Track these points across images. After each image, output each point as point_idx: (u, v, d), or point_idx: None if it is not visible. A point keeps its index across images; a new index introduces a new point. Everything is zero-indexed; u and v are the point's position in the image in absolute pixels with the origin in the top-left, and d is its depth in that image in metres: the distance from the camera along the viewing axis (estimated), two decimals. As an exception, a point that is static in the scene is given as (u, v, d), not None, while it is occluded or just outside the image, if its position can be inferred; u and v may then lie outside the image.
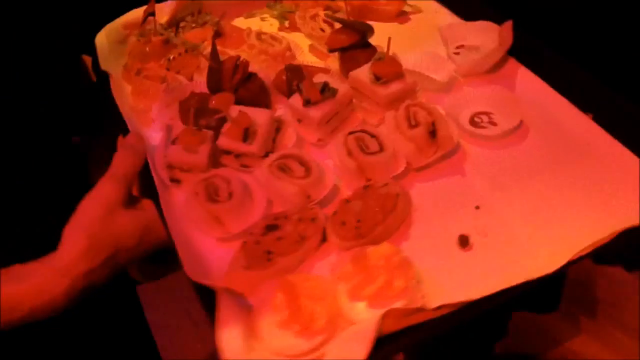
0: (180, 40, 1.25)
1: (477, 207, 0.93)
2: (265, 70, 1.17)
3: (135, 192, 1.00)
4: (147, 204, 0.96)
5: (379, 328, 0.75)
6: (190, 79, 1.19)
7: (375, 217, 0.87)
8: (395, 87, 1.05)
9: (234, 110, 1.01)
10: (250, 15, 1.39)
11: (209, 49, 1.20)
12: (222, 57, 1.18)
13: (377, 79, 1.05)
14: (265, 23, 1.36)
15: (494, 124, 1.07)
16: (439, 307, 0.77)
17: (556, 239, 0.86)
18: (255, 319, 0.79)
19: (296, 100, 1.04)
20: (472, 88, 1.13)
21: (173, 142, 0.99)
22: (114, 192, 0.92)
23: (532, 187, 0.95)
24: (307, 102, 1.02)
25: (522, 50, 1.17)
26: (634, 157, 0.95)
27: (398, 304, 0.77)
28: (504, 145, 1.03)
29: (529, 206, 0.92)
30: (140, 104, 1.14)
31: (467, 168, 1.00)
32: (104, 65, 1.22)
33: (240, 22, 1.37)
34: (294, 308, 0.77)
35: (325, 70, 1.11)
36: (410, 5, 1.35)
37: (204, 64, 1.18)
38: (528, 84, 1.13)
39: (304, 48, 1.27)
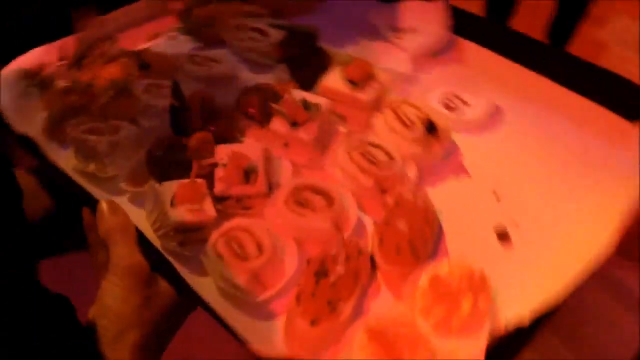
0: (102, 82, 1.09)
1: (496, 196, 0.93)
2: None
3: None
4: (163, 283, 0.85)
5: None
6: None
7: (425, 233, 0.84)
8: (374, 88, 1.00)
9: (223, 151, 0.91)
10: (153, 37, 1.24)
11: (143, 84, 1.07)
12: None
13: (353, 83, 1.00)
14: (178, 42, 1.23)
15: (467, 104, 1.07)
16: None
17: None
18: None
19: (278, 123, 0.96)
20: (428, 74, 1.12)
21: (172, 204, 0.86)
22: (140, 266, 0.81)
23: (539, 167, 0.97)
24: (294, 124, 0.94)
25: (462, 26, 1.18)
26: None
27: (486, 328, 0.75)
28: (487, 127, 1.03)
29: (549, 186, 0.94)
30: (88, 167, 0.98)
31: (468, 159, 0.99)
32: (20, 127, 1.03)
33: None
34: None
35: (294, 85, 1.03)
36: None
37: (145, 105, 1.04)
38: (479, 58, 1.14)
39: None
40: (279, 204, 0.88)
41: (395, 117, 0.97)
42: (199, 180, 0.89)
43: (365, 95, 0.99)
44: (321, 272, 0.81)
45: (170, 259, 0.84)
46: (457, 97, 1.08)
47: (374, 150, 0.93)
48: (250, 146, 0.93)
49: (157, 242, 0.87)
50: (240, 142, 1.01)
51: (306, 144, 0.95)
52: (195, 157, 0.91)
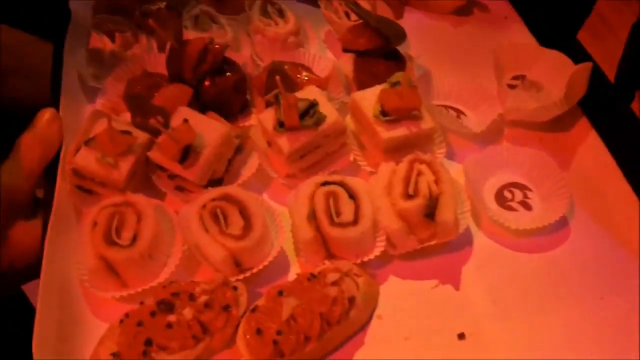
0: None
1: (461, 336, 0.67)
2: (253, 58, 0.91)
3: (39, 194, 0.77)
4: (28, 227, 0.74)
5: None
6: (162, 48, 0.92)
7: (308, 330, 0.62)
8: (403, 130, 0.76)
9: (179, 117, 0.75)
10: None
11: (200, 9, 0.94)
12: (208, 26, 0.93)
13: (384, 113, 0.77)
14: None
15: (528, 207, 0.79)
16: None
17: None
18: None
19: (270, 116, 0.77)
20: (514, 146, 0.83)
21: (88, 142, 0.74)
22: (17, 194, 0.71)
23: (546, 320, 0.68)
24: (281, 126, 0.75)
25: (597, 106, 0.86)
26: None
27: None
28: (531, 245, 0.75)
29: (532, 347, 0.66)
30: (89, 71, 0.89)
31: (466, 271, 0.72)
32: (72, 4, 0.95)
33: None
34: None
35: (323, 83, 0.83)
36: (475, 2, 1.03)
37: (178, 31, 0.91)
38: (591, 156, 0.83)
39: (319, 33, 0.98)
40: (199, 202, 0.71)
41: (405, 175, 0.73)
42: (136, 134, 0.75)
43: (386, 133, 0.76)
44: (166, 304, 0.64)
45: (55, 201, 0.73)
46: (523, 191, 0.80)
47: (345, 202, 0.71)
48: (213, 125, 0.76)
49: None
50: (246, 112, 0.86)
51: (280, 153, 0.76)
52: (153, 110, 0.76)
